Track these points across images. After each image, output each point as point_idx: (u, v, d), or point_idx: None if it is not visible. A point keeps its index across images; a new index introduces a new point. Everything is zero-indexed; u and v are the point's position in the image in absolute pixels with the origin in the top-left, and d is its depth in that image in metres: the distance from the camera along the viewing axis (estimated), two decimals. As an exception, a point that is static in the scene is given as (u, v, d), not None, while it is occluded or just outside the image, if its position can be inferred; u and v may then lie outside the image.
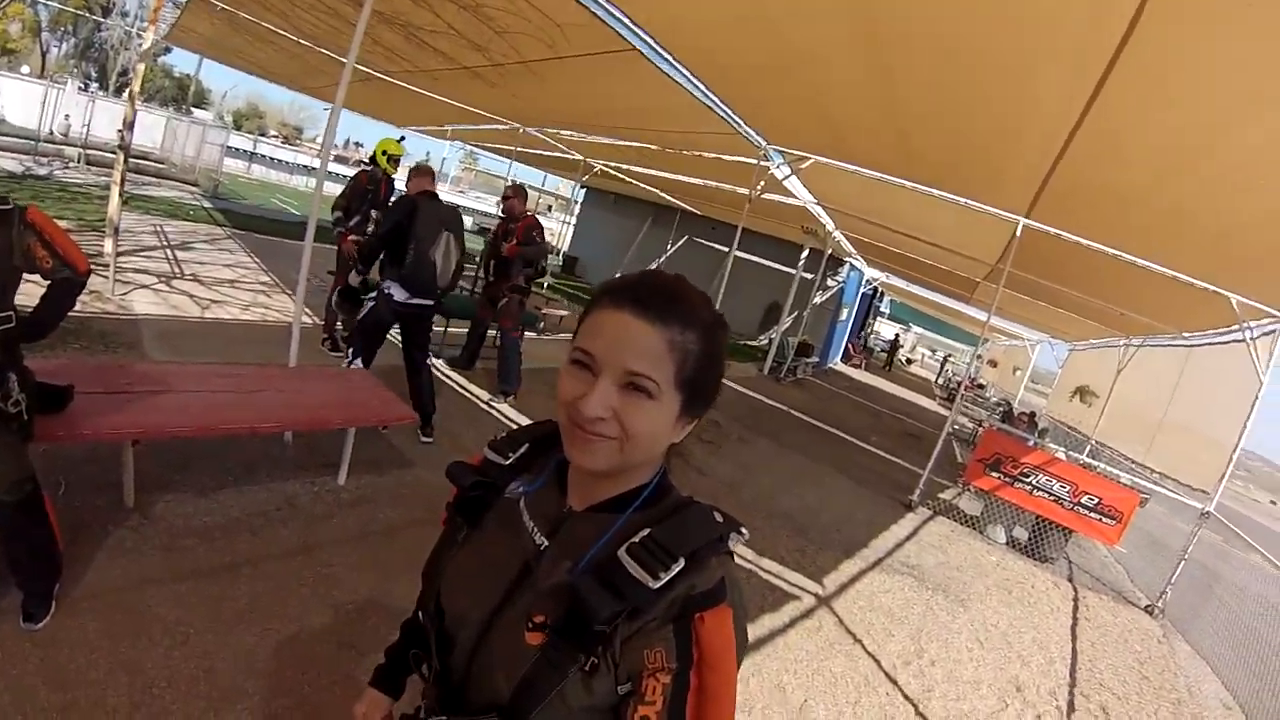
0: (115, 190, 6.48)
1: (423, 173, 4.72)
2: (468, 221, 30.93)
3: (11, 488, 2.10)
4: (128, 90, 7.08)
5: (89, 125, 17.23)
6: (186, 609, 2.49)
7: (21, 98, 19.38)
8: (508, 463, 0.96)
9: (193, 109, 31.80)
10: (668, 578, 0.72)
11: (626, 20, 4.88)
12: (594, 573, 0.75)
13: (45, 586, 2.27)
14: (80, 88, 22.38)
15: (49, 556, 2.27)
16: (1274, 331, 6.28)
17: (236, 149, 26.21)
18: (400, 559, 3.24)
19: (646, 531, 0.77)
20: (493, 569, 0.87)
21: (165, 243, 8.83)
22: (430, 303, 4.65)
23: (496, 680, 0.79)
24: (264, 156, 29.89)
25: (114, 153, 6.49)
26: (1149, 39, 2.87)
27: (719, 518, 0.81)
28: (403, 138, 5.17)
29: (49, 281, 2.23)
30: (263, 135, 39.39)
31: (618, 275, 0.84)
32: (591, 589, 0.72)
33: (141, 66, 7.19)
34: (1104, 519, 6.48)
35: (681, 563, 0.73)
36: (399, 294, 4.48)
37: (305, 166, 31.24)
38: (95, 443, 3.01)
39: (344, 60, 4.23)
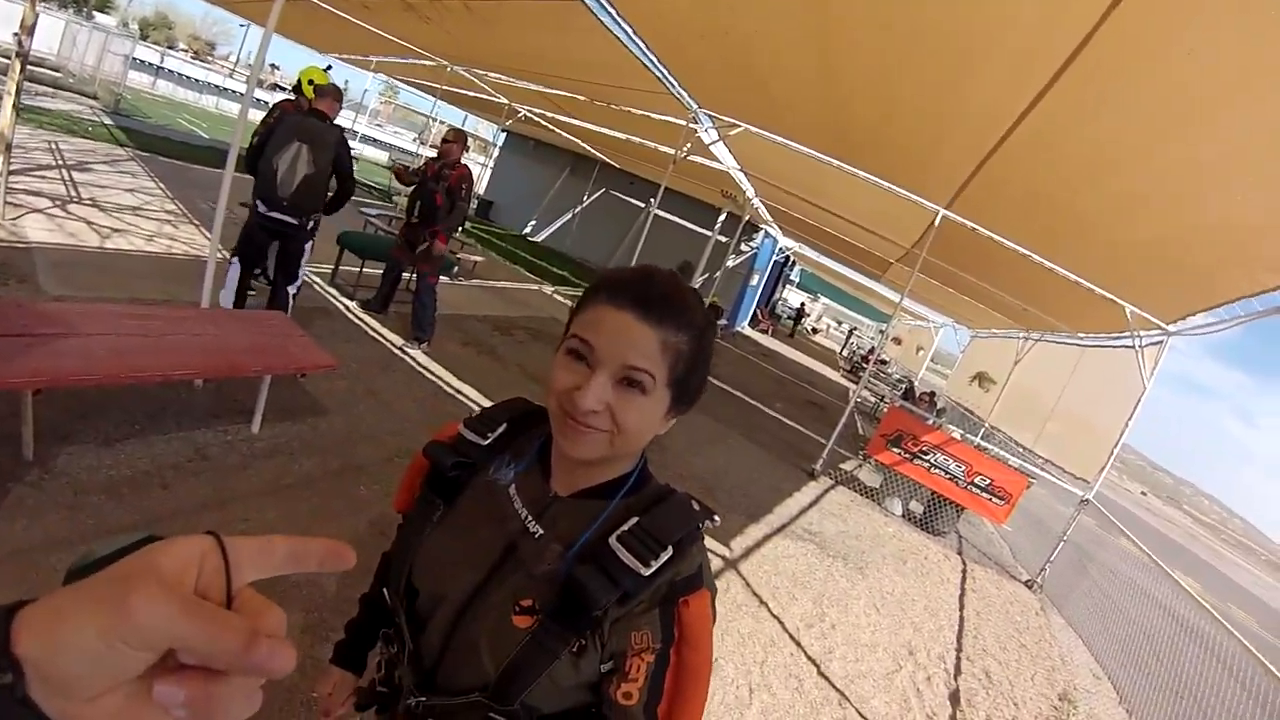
0: (8, 101, 5.87)
1: (323, 93, 4.68)
2: (381, 156, 29.61)
3: None
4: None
5: (-20, 25, 15.48)
6: (93, 570, 2.36)
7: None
8: (486, 443, 0.96)
9: (95, 13, 28.96)
10: (658, 565, 0.76)
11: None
12: (588, 560, 0.78)
13: None
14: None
15: None
16: (1160, 342, 6.79)
17: (142, 61, 24.06)
18: (319, 512, 3.18)
19: (635, 520, 0.81)
20: (473, 551, 0.88)
21: (61, 162, 8.10)
22: (291, 220, 4.60)
23: (479, 661, 0.80)
24: (171, 72, 27.54)
25: (7, 59, 5.87)
26: (1090, 65, 3.05)
27: (696, 506, 0.86)
28: (329, 67, 4.90)
29: None
30: (171, 48, 36.40)
31: (615, 266, 0.87)
32: (591, 576, 0.75)
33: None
34: (994, 499, 6.96)
35: (670, 551, 0.77)
36: (261, 206, 4.52)
37: (216, 86, 28.98)
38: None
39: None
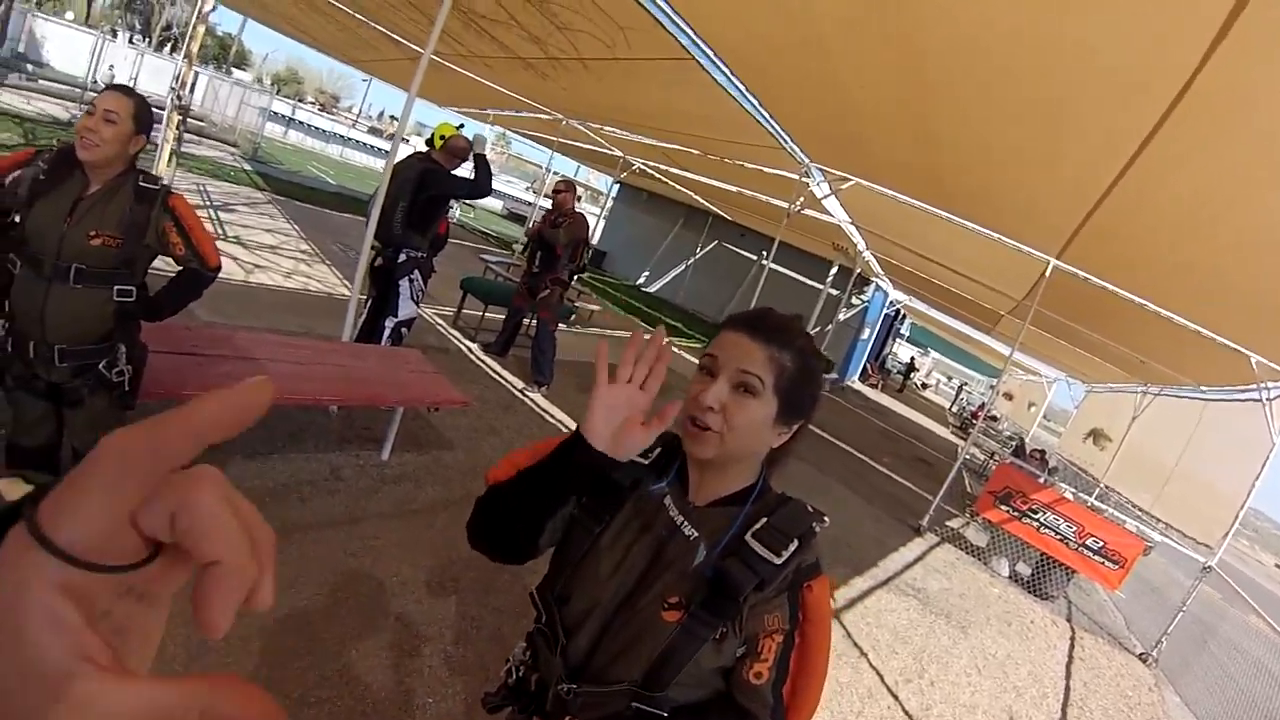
0: (166, 147, 6.63)
1: (444, 147, 4.99)
2: (497, 205, 31.12)
3: None
4: (184, 50, 7.25)
5: (136, 79, 17.39)
6: (240, 569, 2.60)
7: (64, 44, 19.81)
8: (648, 463, 1.11)
9: (233, 69, 31.93)
10: (787, 555, 0.92)
11: (689, 31, 4.98)
12: (731, 555, 0.94)
13: None
14: (129, 41, 22.72)
15: None
16: (1290, 394, 6.30)
17: (275, 113, 26.31)
18: (440, 539, 3.36)
19: (764, 520, 0.97)
20: (624, 562, 1.02)
21: (209, 203, 8.98)
22: (389, 250, 4.74)
23: (631, 656, 0.95)
24: (301, 123, 29.91)
25: (159, 109, 6.69)
26: (1196, 103, 2.95)
27: (811, 509, 1.02)
28: (461, 125, 5.22)
29: (179, 268, 2.25)
30: (300, 101, 39.53)
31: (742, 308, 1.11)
32: (735, 567, 0.91)
33: (201, 29, 7.33)
34: (1107, 563, 6.55)
35: (795, 543, 0.93)
36: None
37: (341, 136, 31.24)
38: (160, 401, 3.12)
39: (398, 38, 4.35)
